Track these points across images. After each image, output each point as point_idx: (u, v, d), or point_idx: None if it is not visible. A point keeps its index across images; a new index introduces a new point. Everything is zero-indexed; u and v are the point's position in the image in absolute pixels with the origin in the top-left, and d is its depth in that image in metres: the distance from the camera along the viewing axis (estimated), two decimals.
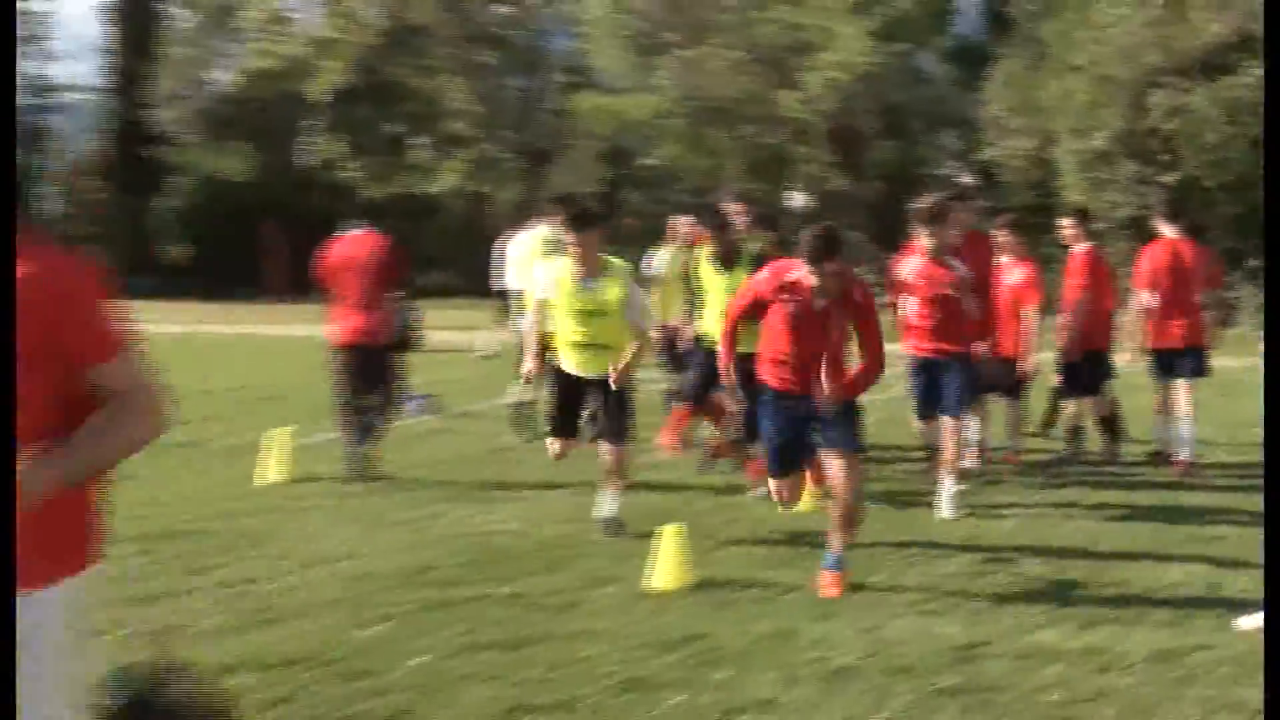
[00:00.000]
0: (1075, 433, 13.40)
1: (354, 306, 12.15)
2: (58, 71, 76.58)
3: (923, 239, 10.80)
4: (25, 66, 56.41)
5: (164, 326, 32.39)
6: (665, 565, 8.38)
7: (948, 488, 10.72)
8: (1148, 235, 14.03)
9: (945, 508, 10.62)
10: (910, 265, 11.08)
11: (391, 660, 6.86)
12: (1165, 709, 6.19)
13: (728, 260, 11.09)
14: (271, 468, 11.90)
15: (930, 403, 11.14)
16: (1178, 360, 12.96)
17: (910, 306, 11.16)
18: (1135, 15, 31.12)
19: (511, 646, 7.14)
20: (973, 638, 7.34)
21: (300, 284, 35.10)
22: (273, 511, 10.54)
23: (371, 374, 12.22)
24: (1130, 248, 33.52)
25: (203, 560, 9.00)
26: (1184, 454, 12.62)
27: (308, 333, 26.25)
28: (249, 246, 46.47)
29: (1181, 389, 12.88)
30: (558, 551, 9.21)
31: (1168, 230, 13.27)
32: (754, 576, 8.59)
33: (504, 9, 47.50)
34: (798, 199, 44.60)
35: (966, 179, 42.19)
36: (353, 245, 12.44)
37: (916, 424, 11.57)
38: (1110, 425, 13.43)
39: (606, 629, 7.49)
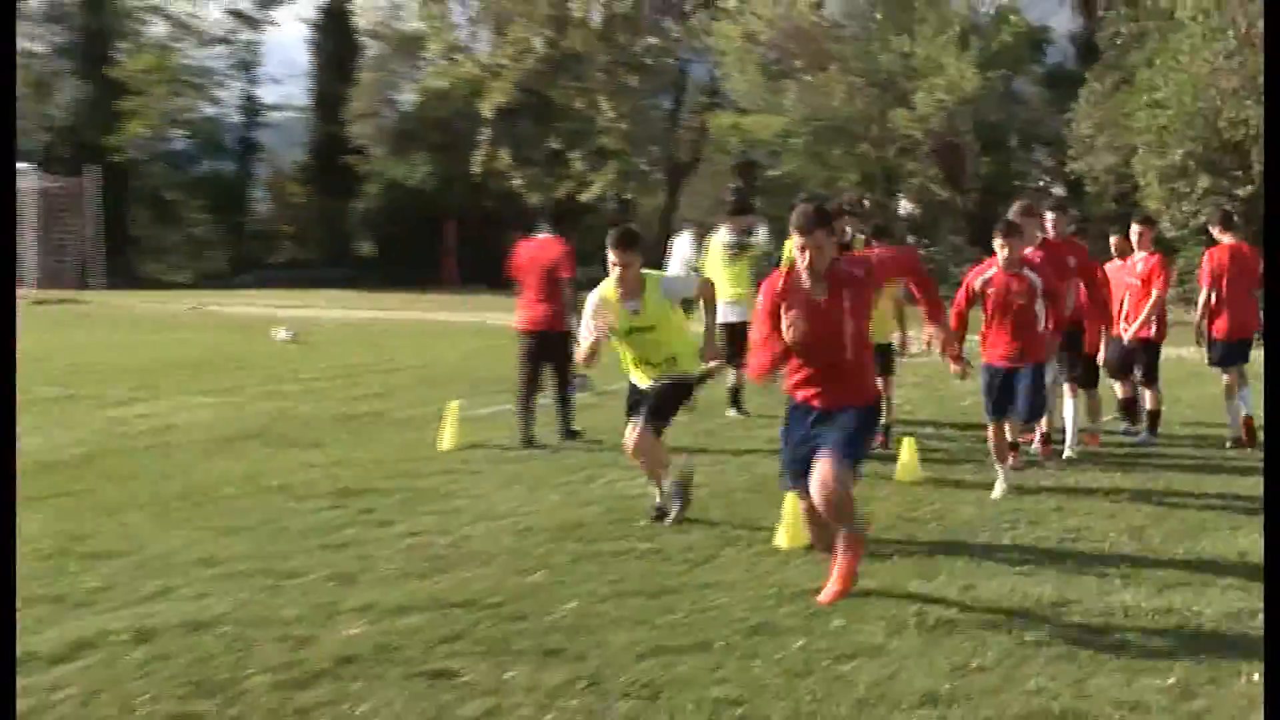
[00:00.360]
0: (1154, 416, 13.18)
1: (537, 298, 12.70)
2: (269, 93, 78.15)
3: (999, 250, 10.12)
4: (239, 88, 57.55)
5: (356, 312, 32.90)
6: (787, 527, 8.34)
7: (1002, 475, 10.17)
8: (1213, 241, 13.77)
9: (996, 490, 10.08)
10: (984, 275, 10.36)
11: (547, 605, 6.89)
12: (1233, 664, 6.04)
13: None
14: (445, 436, 12.00)
15: (1000, 410, 10.27)
16: (1235, 349, 12.88)
17: (984, 315, 10.37)
18: (1211, 44, 30.39)
19: (652, 595, 7.15)
20: (1060, 597, 7.23)
21: (470, 277, 35.52)
22: (446, 474, 10.63)
23: (549, 356, 12.66)
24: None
25: (385, 514, 9.10)
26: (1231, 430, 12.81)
27: (476, 319, 26.52)
28: (427, 244, 46.92)
29: (1237, 374, 12.82)
30: (692, 514, 9.19)
31: (1224, 236, 13.29)
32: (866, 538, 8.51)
33: (650, 40, 47.47)
34: (905, 207, 44.23)
35: (1057, 191, 41.62)
36: (537, 247, 13.03)
37: (988, 425, 10.41)
38: (1131, 407, 13.51)
39: (736, 581, 7.47)
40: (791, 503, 8.36)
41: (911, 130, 38.42)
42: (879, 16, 40.60)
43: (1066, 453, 11.73)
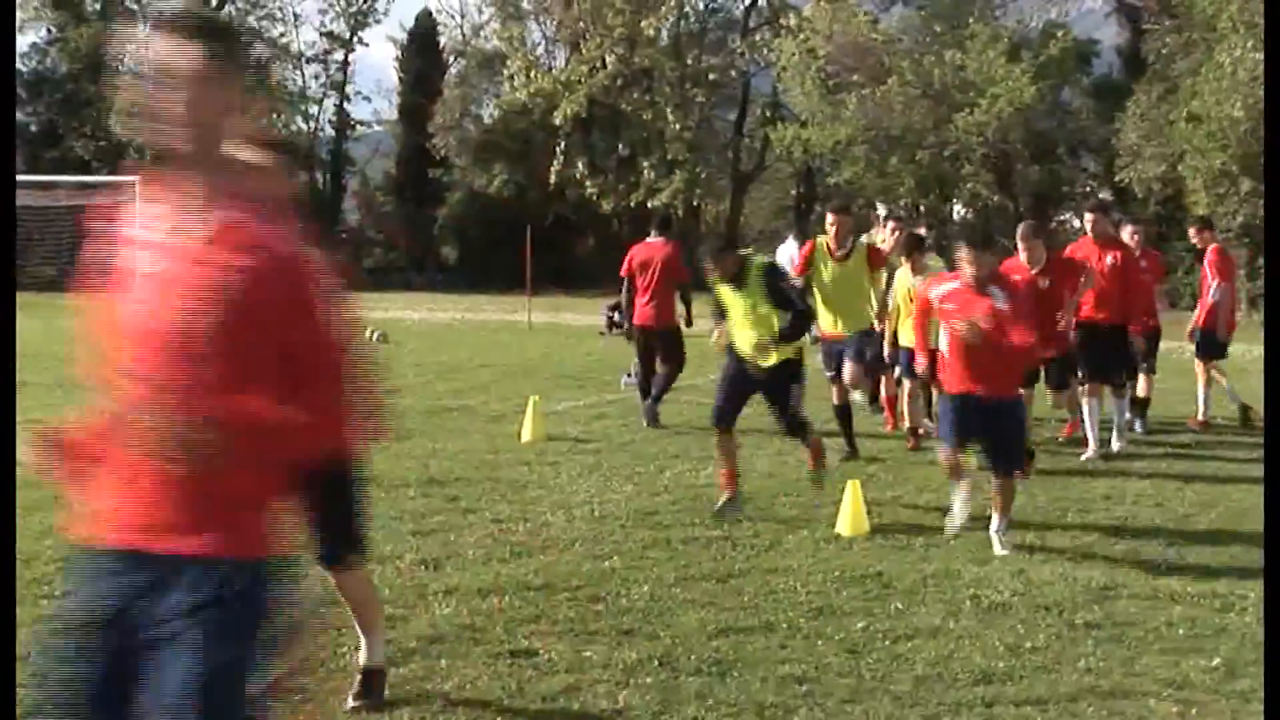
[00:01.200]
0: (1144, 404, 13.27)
1: (647, 297, 13.25)
2: (359, 109, 78.85)
3: (964, 264, 8.05)
4: (331, 105, 58.06)
5: (441, 313, 33.10)
6: (849, 514, 8.31)
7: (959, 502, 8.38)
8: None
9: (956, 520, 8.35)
10: (943, 288, 8.34)
11: (622, 588, 6.90)
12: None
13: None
14: (526, 429, 12.05)
15: (961, 440, 8.19)
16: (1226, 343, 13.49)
17: (942, 338, 8.40)
18: (1254, 54, 29.95)
19: (721, 578, 7.15)
20: (1109, 581, 7.17)
21: (546, 280, 35.63)
22: (526, 464, 10.67)
23: (663, 349, 13.28)
24: (1248, 253, 32.50)
25: (470, 502, 9.15)
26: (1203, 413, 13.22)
27: (552, 319, 26.62)
28: (506, 249, 47.09)
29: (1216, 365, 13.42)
30: (758, 501, 9.18)
31: (1205, 240, 13.89)
32: (922, 524, 8.48)
33: (715, 57, 47.46)
34: (959, 212, 43.93)
35: (1104, 196, 41.17)
36: (650, 249, 13.52)
37: (942, 455, 8.41)
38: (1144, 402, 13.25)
39: (800, 566, 7.45)
40: (851, 492, 8.35)
41: (964, 139, 38.18)
42: (938, 29, 40.39)
43: (1114, 445, 11.57)
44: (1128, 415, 12.28)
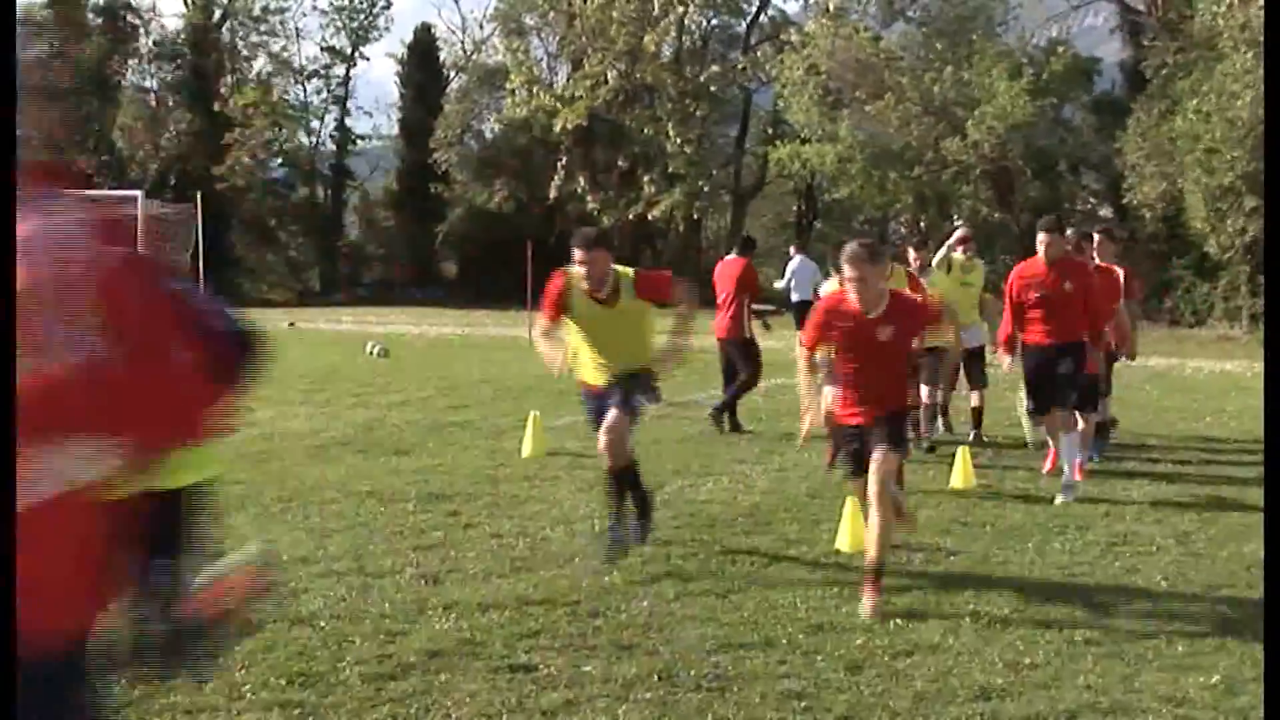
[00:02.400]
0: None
1: (724, 311, 14.00)
2: (360, 124, 79.07)
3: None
4: (332, 120, 58.18)
5: (442, 328, 33.13)
6: (848, 531, 8.32)
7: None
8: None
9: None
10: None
11: (622, 603, 6.91)
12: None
13: None
14: (526, 444, 12.06)
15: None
16: None
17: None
18: (1255, 72, 29.99)
19: (720, 594, 7.16)
20: (1108, 597, 7.17)
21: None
22: (526, 480, 10.69)
23: (740, 359, 13.91)
24: (1250, 272, 32.55)
25: (470, 517, 9.16)
26: None
27: None
28: (507, 264, 47.14)
29: None
30: (757, 518, 9.19)
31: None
32: (922, 541, 8.48)
33: (715, 70, 47.54)
34: (958, 230, 43.91)
35: (1105, 213, 41.20)
36: (727, 266, 14.36)
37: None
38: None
39: (800, 581, 7.47)
40: (852, 507, 8.36)
41: (965, 156, 38.23)
42: (939, 46, 40.46)
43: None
44: (1078, 457, 10.67)
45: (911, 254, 13.16)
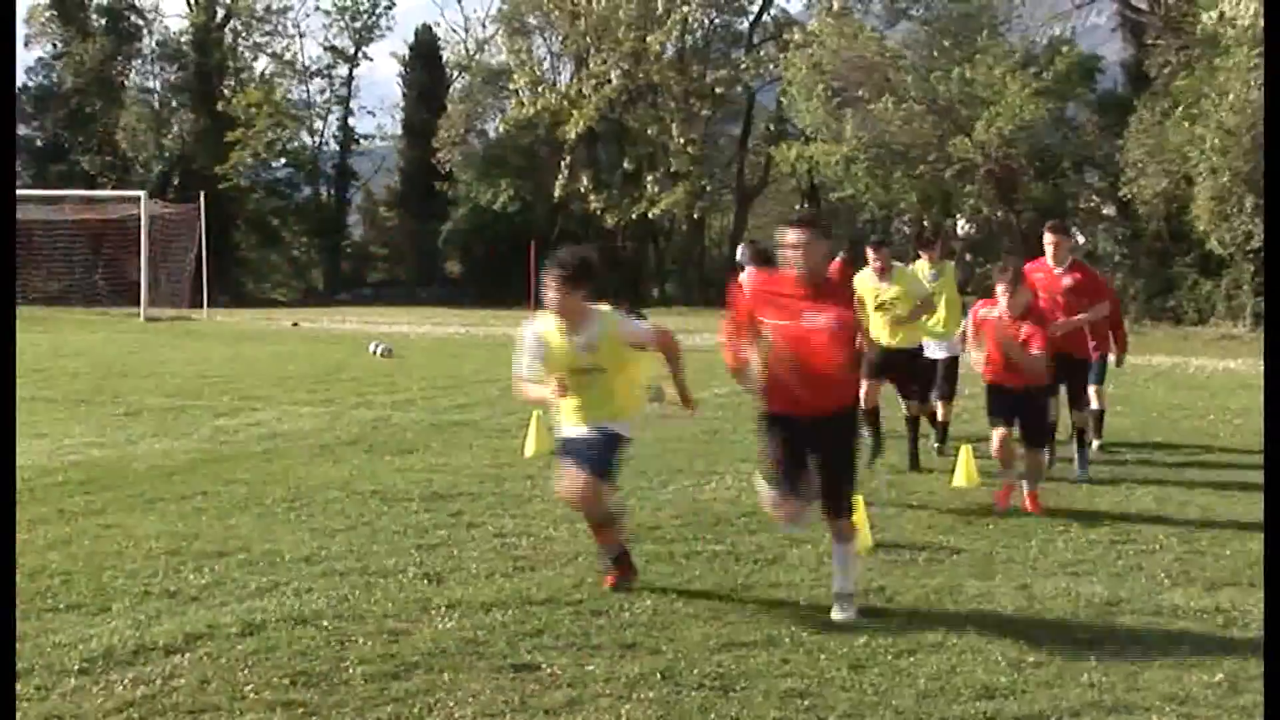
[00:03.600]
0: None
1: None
2: (363, 124, 78.70)
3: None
4: (335, 119, 58.25)
5: (445, 328, 33.13)
6: None
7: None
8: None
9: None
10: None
11: (625, 602, 6.91)
12: None
13: None
14: (529, 443, 12.05)
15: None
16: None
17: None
18: (1255, 71, 29.95)
19: (723, 593, 7.16)
20: (1111, 596, 7.17)
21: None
22: (529, 479, 10.67)
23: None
24: (1253, 270, 32.53)
25: (474, 516, 9.15)
26: None
27: None
28: (511, 263, 47.21)
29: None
30: (760, 516, 9.15)
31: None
32: (925, 540, 8.48)
33: (720, 71, 47.54)
34: (962, 227, 43.94)
35: (1108, 212, 41.17)
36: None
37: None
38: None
39: (802, 580, 7.46)
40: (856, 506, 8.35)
41: (969, 155, 38.21)
42: (946, 44, 40.44)
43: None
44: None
45: (870, 254, 11.80)
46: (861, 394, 9.96)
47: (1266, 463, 6.08)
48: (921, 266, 12.41)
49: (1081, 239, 41.48)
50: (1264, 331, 11.28)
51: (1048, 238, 11.27)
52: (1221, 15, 30.53)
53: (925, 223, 40.93)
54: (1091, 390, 11.87)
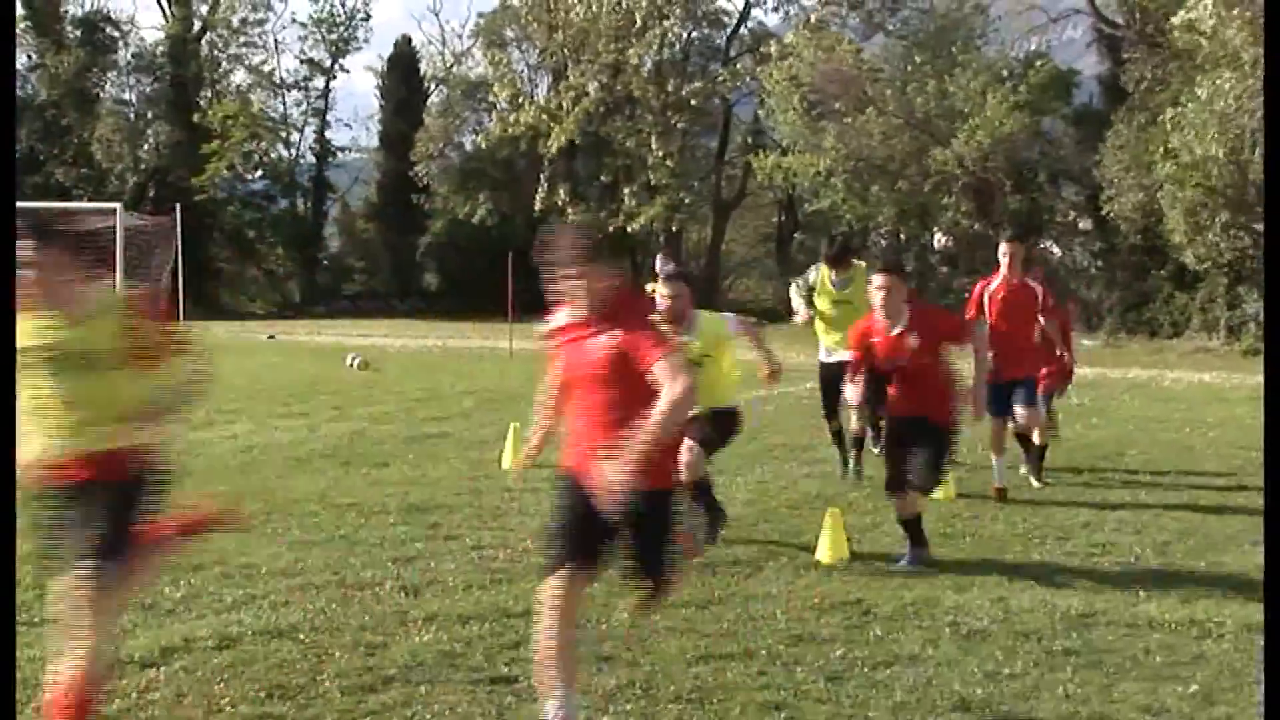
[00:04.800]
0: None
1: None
2: (340, 136, 78.77)
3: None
4: (312, 132, 58.16)
5: (423, 340, 33.10)
6: (828, 541, 8.34)
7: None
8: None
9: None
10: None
11: (602, 614, 6.90)
12: (1253, 673, 6.00)
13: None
14: (507, 456, 12.06)
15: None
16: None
17: None
18: (1233, 87, 30.12)
19: (701, 605, 7.17)
20: (1087, 608, 7.20)
21: (527, 307, 35.77)
22: (507, 491, 10.66)
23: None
24: (1227, 284, 32.71)
25: (451, 529, 9.15)
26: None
27: (534, 347, 26.61)
28: (488, 275, 47.20)
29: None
30: (738, 529, 9.19)
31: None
32: (903, 552, 8.49)
33: (697, 84, 47.62)
34: (939, 241, 44.08)
35: (1085, 225, 41.33)
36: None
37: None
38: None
39: (780, 593, 7.48)
40: (831, 519, 8.38)
41: (946, 168, 38.37)
42: (917, 60, 40.60)
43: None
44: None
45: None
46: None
47: (1266, 463, 6.11)
48: (825, 274, 11.47)
49: (1058, 250, 41.69)
50: (1265, 333, 11.22)
51: (1004, 249, 11.20)
52: (1190, 25, 30.66)
53: (902, 235, 41.08)
54: (1021, 410, 11.01)
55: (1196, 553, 8.70)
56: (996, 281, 11.12)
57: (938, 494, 10.42)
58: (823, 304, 11.49)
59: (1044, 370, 11.66)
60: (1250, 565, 8.20)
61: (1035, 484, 11.17)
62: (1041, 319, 11.30)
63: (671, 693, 5.73)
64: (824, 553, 8.31)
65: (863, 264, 10.98)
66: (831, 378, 11.23)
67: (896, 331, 8.32)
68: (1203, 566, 8.31)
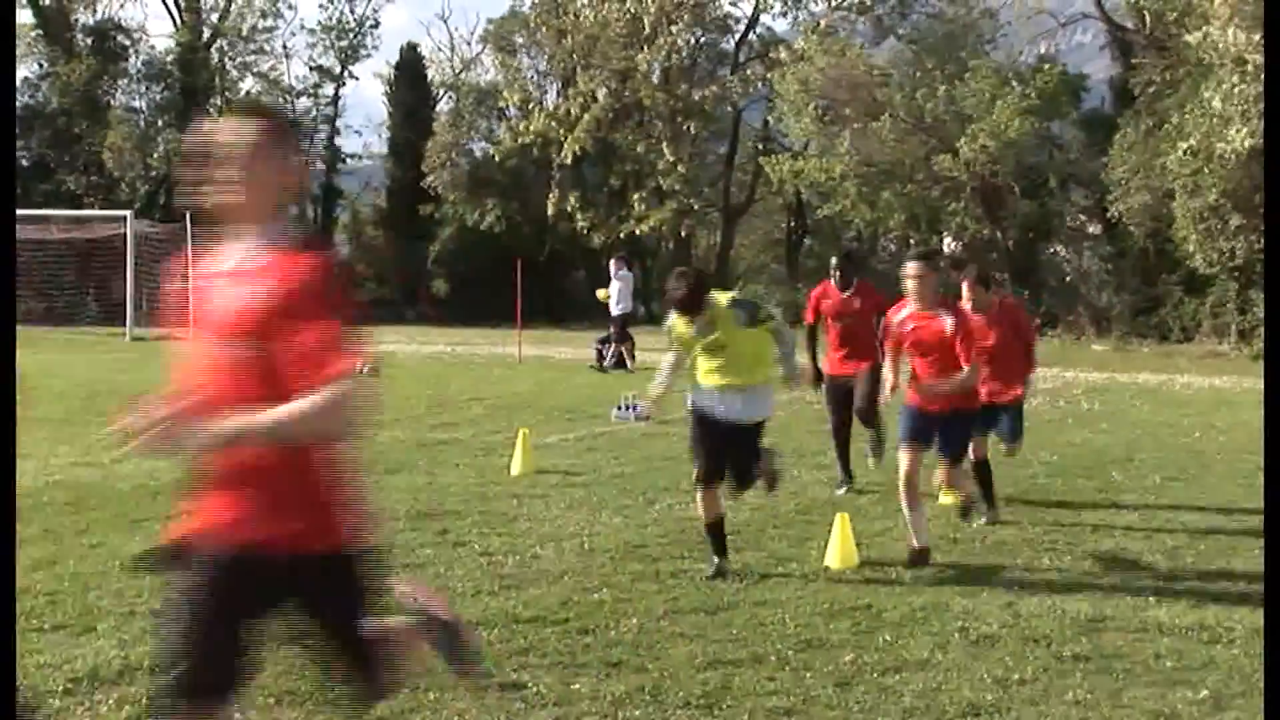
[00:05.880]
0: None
1: (840, 348, 11.44)
2: (349, 143, 78.42)
3: None
4: (321, 139, 58.19)
5: (431, 346, 33.10)
6: (838, 547, 8.34)
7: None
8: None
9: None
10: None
11: (611, 620, 6.91)
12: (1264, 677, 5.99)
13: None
14: (516, 462, 12.06)
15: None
16: None
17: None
18: (1242, 90, 30.06)
19: (709, 611, 7.16)
20: (1097, 613, 7.19)
21: (536, 314, 35.90)
22: (516, 497, 10.68)
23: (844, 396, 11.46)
24: (1238, 288, 32.62)
25: (459, 535, 9.15)
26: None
27: (542, 353, 26.66)
28: (497, 282, 47.22)
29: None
30: (747, 535, 9.19)
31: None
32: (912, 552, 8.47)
33: (708, 90, 47.62)
34: (948, 245, 44.06)
35: (1094, 230, 41.27)
36: (852, 298, 11.47)
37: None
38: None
39: (789, 598, 7.47)
40: (840, 525, 8.38)
41: (955, 173, 38.36)
42: (927, 65, 40.60)
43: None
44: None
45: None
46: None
47: (1266, 465, 6.10)
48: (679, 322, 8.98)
49: (1065, 254, 41.58)
50: (1264, 334, 11.10)
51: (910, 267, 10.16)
52: (1206, 36, 30.60)
53: (912, 239, 40.94)
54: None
55: (1206, 557, 8.69)
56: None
57: (946, 499, 10.42)
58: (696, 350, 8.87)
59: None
60: (1260, 569, 8.17)
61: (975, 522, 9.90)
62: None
63: (680, 698, 5.73)
64: (833, 558, 8.31)
65: (723, 300, 8.55)
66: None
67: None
68: (1213, 571, 8.29)
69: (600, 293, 24.97)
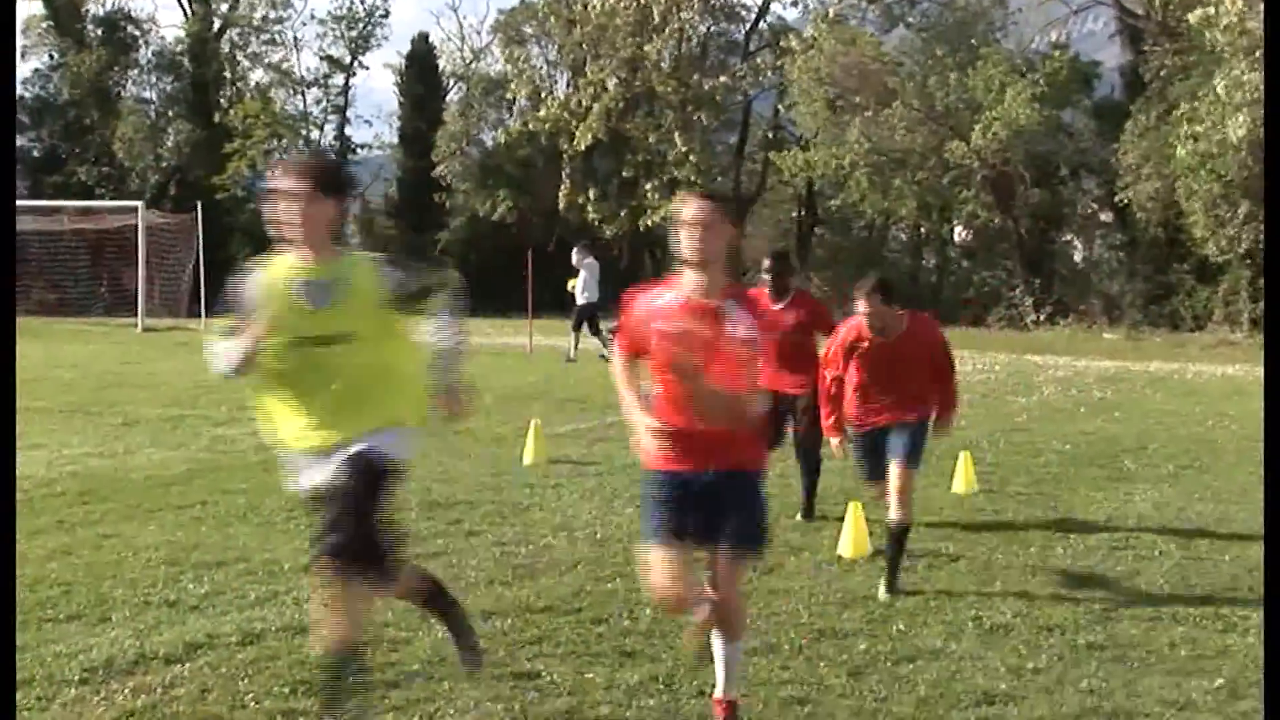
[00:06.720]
0: None
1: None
2: (359, 134, 78.68)
3: None
4: (331, 129, 58.24)
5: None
6: (850, 536, 8.34)
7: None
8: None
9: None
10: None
11: (624, 609, 6.92)
12: None
13: None
14: (528, 452, 12.06)
15: None
16: None
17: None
18: (1252, 77, 29.96)
19: None
20: (1110, 602, 7.20)
21: (546, 304, 35.89)
22: (528, 487, 10.68)
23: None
24: (1250, 276, 32.53)
25: (472, 525, 9.16)
26: None
27: (554, 344, 26.65)
28: (508, 272, 47.22)
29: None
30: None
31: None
32: (924, 547, 8.48)
33: (718, 79, 47.53)
34: (959, 234, 44.01)
35: (1105, 217, 41.19)
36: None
37: None
38: None
39: (802, 588, 7.47)
40: (852, 514, 8.37)
41: (967, 161, 38.28)
42: (939, 52, 40.48)
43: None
44: None
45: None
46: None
47: (1266, 465, 6.09)
48: None
49: (1079, 243, 41.49)
50: (1264, 333, 11.17)
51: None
52: (1208, 18, 30.47)
53: (923, 229, 40.85)
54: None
55: (1220, 547, 8.67)
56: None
57: (960, 487, 10.43)
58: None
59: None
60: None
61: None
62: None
63: (694, 688, 5.73)
64: (846, 548, 8.31)
65: None
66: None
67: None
68: (1226, 560, 8.27)
69: (571, 283, 25.06)
